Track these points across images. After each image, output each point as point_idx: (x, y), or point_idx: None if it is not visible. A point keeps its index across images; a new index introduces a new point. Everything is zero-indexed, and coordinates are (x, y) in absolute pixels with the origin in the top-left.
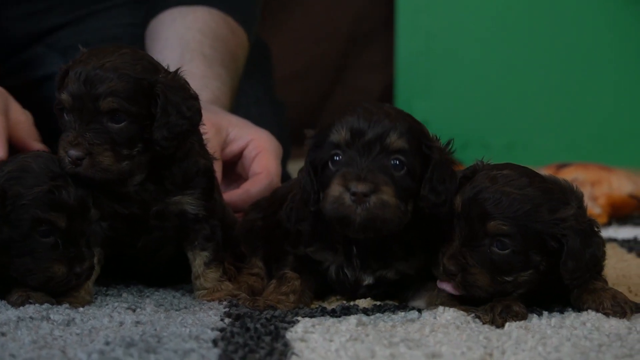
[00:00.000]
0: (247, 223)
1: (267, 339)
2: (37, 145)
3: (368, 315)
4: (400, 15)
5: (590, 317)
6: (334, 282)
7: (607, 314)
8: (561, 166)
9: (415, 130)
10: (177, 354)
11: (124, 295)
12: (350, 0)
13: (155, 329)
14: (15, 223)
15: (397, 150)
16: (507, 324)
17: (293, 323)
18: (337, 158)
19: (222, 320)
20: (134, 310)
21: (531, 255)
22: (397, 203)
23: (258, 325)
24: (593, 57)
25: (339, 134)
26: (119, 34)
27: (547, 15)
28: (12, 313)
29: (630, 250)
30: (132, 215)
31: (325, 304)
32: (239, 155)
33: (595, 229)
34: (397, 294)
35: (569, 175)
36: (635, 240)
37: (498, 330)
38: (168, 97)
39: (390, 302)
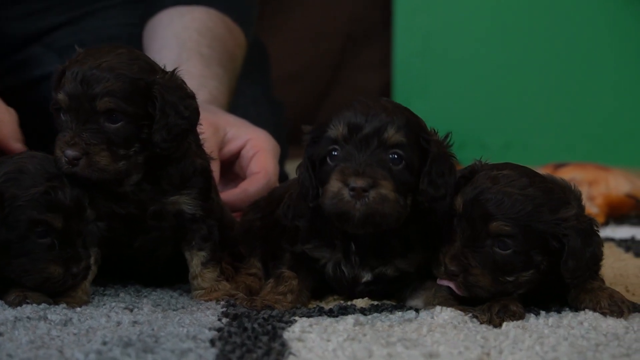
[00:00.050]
0: (246, 223)
1: (265, 338)
2: (17, 145)
3: (365, 315)
4: (398, 16)
5: (588, 317)
6: (331, 279)
7: (604, 314)
8: (558, 166)
9: (413, 124)
10: (174, 353)
11: (122, 295)
12: (348, 1)
13: (153, 329)
14: (12, 224)
15: (395, 144)
16: (504, 324)
17: (290, 323)
18: (335, 153)
19: (219, 320)
20: (131, 310)
21: (532, 255)
22: (396, 197)
23: (255, 325)
24: (590, 57)
25: (337, 129)
26: (117, 33)
27: (544, 15)
28: (9, 313)
29: (627, 249)
30: (130, 215)
31: (322, 304)
32: (236, 155)
33: (595, 228)
34: (395, 292)
35: (566, 175)
36: (632, 239)
37: (495, 330)
38: (165, 98)
39: (388, 302)
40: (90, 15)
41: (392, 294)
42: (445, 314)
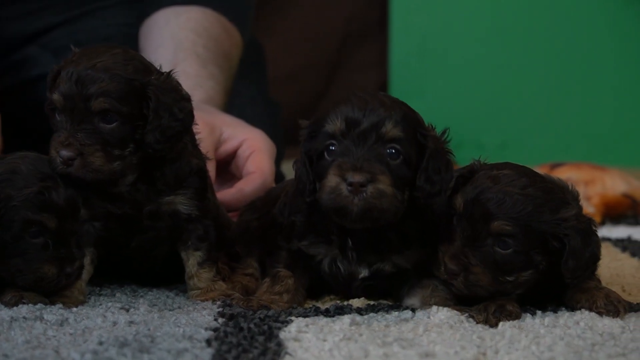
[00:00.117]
0: (242, 224)
1: (261, 338)
2: None
3: (362, 314)
4: (394, 16)
5: (584, 317)
6: (328, 275)
7: (600, 313)
8: (555, 166)
9: (411, 119)
10: (170, 353)
11: (118, 295)
12: (345, 1)
13: (149, 329)
14: (6, 225)
15: (393, 139)
16: (500, 324)
17: (287, 323)
18: (333, 148)
19: (215, 320)
20: (127, 310)
21: (532, 255)
22: (393, 192)
23: (251, 325)
24: (587, 56)
25: (334, 124)
26: (113, 34)
27: (541, 15)
28: (5, 313)
29: (624, 249)
30: (125, 215)
31: (319, 304)
32: (232, 155)
33: (594, 228)
34: (392, 289)
35: (562, 174)
36: (628, 239)
37: (492, 330)
38: (160, 99)
39: (384, 302)
40: (87, 15)
41: (388, 293)
42: (442, 314)
